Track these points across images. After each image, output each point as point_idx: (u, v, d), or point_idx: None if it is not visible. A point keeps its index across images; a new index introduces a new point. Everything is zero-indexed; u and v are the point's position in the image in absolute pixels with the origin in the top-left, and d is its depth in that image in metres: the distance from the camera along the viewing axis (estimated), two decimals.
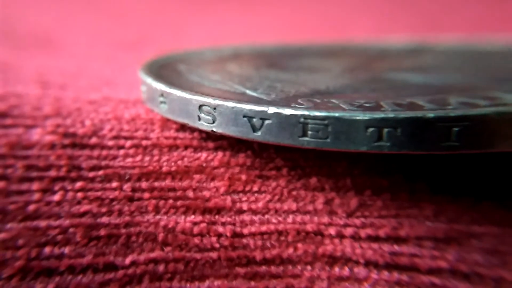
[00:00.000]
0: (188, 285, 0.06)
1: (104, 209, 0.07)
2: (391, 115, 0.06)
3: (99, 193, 0.07)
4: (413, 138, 0.06)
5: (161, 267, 0.06)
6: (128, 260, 0.06)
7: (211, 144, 0.08)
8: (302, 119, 0.07)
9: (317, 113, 0.06)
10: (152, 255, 0.06)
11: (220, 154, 0.08)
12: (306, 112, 0.07)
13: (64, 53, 0.16)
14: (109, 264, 0.06)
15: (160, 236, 0.07)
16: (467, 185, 0.07)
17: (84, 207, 0.07)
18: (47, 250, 0.06)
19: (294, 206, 0.07)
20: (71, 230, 0.06)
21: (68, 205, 0.07)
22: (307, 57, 0.12)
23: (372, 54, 0.11)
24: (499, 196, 0.07)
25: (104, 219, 0.07)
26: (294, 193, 0.08)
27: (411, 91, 0.08)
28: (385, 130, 0.06)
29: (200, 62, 0.11)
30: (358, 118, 0.06)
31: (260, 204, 0.07)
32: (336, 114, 0.06)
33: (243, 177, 0.08)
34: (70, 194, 0.07)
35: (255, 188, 0.08)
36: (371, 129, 0.06)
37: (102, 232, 0.06)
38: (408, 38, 0.12)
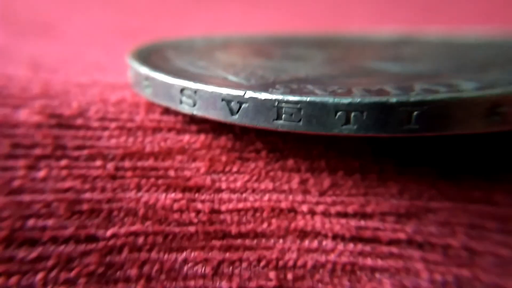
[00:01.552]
0: (166, 256, 0.07)
1: (87, 186, 0.07)
2: (357, 100, 0.07)
3: (83, 171, 0.07)
4: (378, 121, 0.06)
5: (140, 239, 0.07)
6: (109, 233, 0.07)
7: (194, 127, 0.08)
8: (276, 103, 0.07)
9: (290, 98, 0.07)
10: (132, 228, 0.07)
11: (202, 136, 0.08)
12: (280, 97, 0.07)
13: (62, 39, 0.16)
14: (91, 236, 0.07)
15: (141, 211, 0.07)
16: (428, 165, 0.07)
17: (68, 184, 0.07)
18: (30, 222, 0.06)
19: (270, 185, 0.08)
20: (54, 204, 0.07)
21: (52, 181, 0.07)
22: (294, 47, 0.12)
23: (356, 45, 0.12)
24: (455, 174, 0.07)
25: (87, 195, 0.07)
26: (271, 173, 0.08)
27: (383, 79, 0.08)
28: (352, 114, 0.07)
29: (190, 49, 0.11)
30: (327, 102, 0.07)
31: (238, 184, 0.08)
32: (308, 99, 0.07)
33: (224, 158, 0.08)
34: (54, 171, 0.07)
35: (235, 169, 0.08)
36: (339, 113, 0.07)
37: (85, 206, 0.07)
38: (394, 29, 0.12)
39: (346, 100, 0.07)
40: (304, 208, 0.07)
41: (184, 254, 0.07)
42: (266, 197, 0.08)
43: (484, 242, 0.07)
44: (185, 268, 0.07)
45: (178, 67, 0.09)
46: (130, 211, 0.07)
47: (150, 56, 0.10)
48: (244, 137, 0.08)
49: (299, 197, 0.08)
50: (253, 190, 0.08)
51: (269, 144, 0.08)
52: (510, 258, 0.07)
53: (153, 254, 0.07)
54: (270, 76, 0.09)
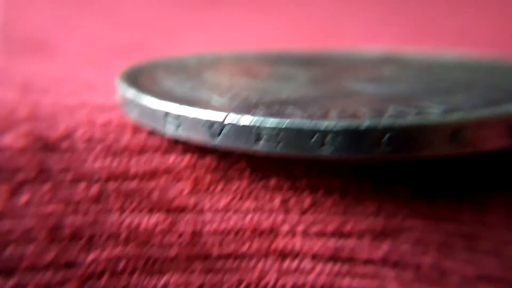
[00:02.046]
0: (147, 280, 0.07)
1: (70, 210, 0.07)
2: (332, 124, 0.07)
3: (66, 195, 0.07)
4: (351, 145, 0.07)
5: (121, 264, 0.07)
6: (89, 258, 0.07)
7: (179, 147, 0.09)
8: (255, 127, 0.07)
9: (269, 122, 0.07)
10: (114, 252, 0.07)
11: (187, 156, 0.08)
12: (259, 122, 0.07)
13: (57, 57, 0.16)
14: (71, 262, 0.07)
15: (123, 235, 0.07)
16: (404, 184, 0.08)
17: (50, 208, 0.07)
18: (9, 250, 0.07)
19: (253, 205, 0.08)
20: (35, 230, 0.07)
21: (35, 206, 0.07)
22: (282, 65, 0.12)
23: (342, 64, 0.12)
24: (428, 193, 0.08)
25: (69, 219, 0.07)
26: (254, 193, 0.08)
27: (360, 101, 0.08)
28: (327, 138, 0.07)
29: (179, 69, 0.12)
30: (303, 126, 0.07)
31: (221, 204, 0.08)
32: (285, 123, 0.07)
33: (208, 178, 0.08)
34: (37, 196, 0.07)
35: (219, 189, 0.08)
36: (315, 136, 0.07)
37: (66, 231, 0.07)
38: (379, 48, 0.13)
39: (321, 124, 0.07)
40: (285, 227, 0.08)
41: (165, 278, 0.07)
42: (249, 217, 0.08)
43: (452, 260, 0.07)
44: None
45: (165, 88, 0.10)
46: (112, 234, 0.07)
47: (139, 76, 0.10)
48: (228, 157, 0.08)
49: (281, 217, 0.08)
50: (236, 210, 0.08)
51: (252, 164, 0.08)
52: (474, 276, 0.07)
53: (134, 279, 0.07)
54: (253, 97, 0.09)
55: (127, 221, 0.07)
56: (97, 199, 0.07)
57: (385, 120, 0.07)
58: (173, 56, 0.13)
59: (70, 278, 0.07)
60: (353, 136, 0.07)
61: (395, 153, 0.07)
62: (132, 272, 0.07)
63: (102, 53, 0.17)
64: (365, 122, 0.07)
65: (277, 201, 0.08)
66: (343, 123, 0.07)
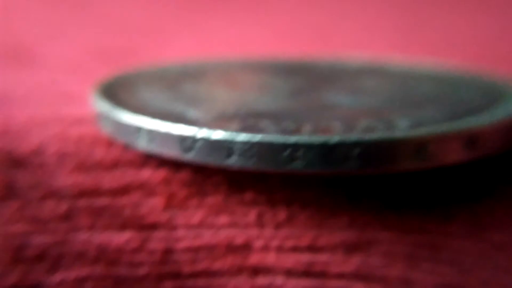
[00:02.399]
0: None
1: (37, 229, 0.07)
2: (303, 139, 0.07)
3: (34, 213, 0.07)
4: (321, 159, 0.07)
5: (88, 285, 0.07)
6: (55, 279, 0.06)
7: (154, 162, 0.08)
8: (227, 142, 0.07)
9: (242, 137, 0.07)
10: (81, 273, 0.07)
11: (161, 171, 0.08)
12: (231, 136, 0.07)
13: (40, 66, 0.16)
14: (35, 284, 0.06)
15: (92, 254, 0.07)
16: (375, 197, 0.08)
17: (17, 227, 0.07)
18: None
19: (227, 220, 0.08)
20: None
21: (0, 226, 0.07)
22: (266, 74, 0.12)
23: (324, 74, 0.12)
24: (397, 206, 0.08)
25: (36, 239, 0.07)
26: (229, 208, 0.08)
27: (334, 114, 0.08)
28: (298, 153, 0.07)
29: (159, 79, 0.12)
30: (274, 141, 0.07)
31: (195, 220, 0.08)
32: (258, 138, 0.07)
33: (182, 193, 0.08)
34: (3, 215, 0.07)
35: (193, 204, 0.08)
36: (287, 151, 0.07)
37: (32, 251, 0.07)
38: (365, 58, 0.13)
39: (292, 140, 0.07)
40: (259, 243, 0.08)
41: None
42: (223, 232, 0.08)
43: (417, 271, 0.07)
44: None
45: (141, 100, 0.09)
46: (80, 254, 0.07)
47: (115, 88, 0.10)
48: (203, 171, 0.08)
49: (255, 232, 0.08)
50: (210, 226, 0.08)
51: (228, 178, 0.08)
52: (436, 285, 0.07)
53: None
54: (229, 110, 0.09)
55: (97, 239, 0.07)
56: (66, 217, 0.07)
57: (354, 136, 0.07)
58: (155, 64, 0.13)
59: None
60: (323, 151, 0.07)
61: (365, 168, 0.07)
62: None
63: (88, 60, 0.17)
64: (335, 138, 0.07)
65: (252, 215, 0.08)
66: (313, 139, 0.07)
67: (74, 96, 0.12)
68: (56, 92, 0.12)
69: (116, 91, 0.10)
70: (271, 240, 0.08)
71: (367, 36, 0.19)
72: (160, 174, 0.08)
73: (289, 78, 0.12)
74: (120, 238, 0.07)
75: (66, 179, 0.08)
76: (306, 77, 0.12)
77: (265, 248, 0.07)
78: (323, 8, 0.23)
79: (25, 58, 0.16)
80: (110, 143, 0.08)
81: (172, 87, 0.11)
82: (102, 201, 0.08)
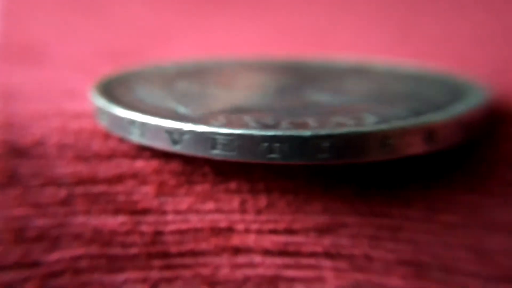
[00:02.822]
0: (107, 277, 0.07)
1: (37, 213, 0.07)
2: (279, 133, 0.07)
3: (34, 198, 0.08)
4: (296, 152, 0.07)
5: (83, 263, 0.07)
6: (52, 257, 0.07)
7: (147, 153, 0.09)
8: (212, 135, 0.08)
9: (224, 130, 0.08)
10: (77, 252, 0.07)
11: (154, 162, 0.09)
12: (215, 130, 0.08)
13: (48, 65, 0.16)
14: (34, 262, 0.07)
15: (88, 235, 0.07)
16: (347, 185, 0.08)
17: (18, 211, 0.07)
18: None
19: (213, 206, 0.08)
20: (1, 232, 0.07)
21: (3, 210, 0.07)
22: (257, 73, 0.13)
23: (311, 74, 0.13)
24: (366, 192, 0.08)
25: (36, 222, 0.07)
26: (215, 195, 0.09)
27: (312, 111, 0.09)
28: (275, 145, 0.07)
29: (156, 77, 0.12)
30: (254, 134, 0.08)
31: (184, 206, 0.08)
32: (239, 132, 0.08)
33: (172, 182, 0.09)
34: (6, 200, 0.07)
35: (182, 192, 0.09)
36: (265, 144, 0.08)
37: (32, 233, 0.07)
38: (353, 59, 0.13)
39: (269, 133, 0.07)
40: (241, 226, 0.08)
41: (124, 275, 0.07)
42: (208, 217, 0.08)
43: (379, 250, 0.08)
44: (125, 287, 0.07)
45: (137, 97, 0.10)
46: (77, 235, 0.07)
47: (115, 85, 0.11)
48: (193, 162, 0.09)
49: (238, 217, 0.08)
50: (197, 211, 0.08)
51: (215, 168, 0.09)
52: (395, 262, 0.08)
53: (95, 276, 0.07)
54: (217, 106, 0.10)
55: (92, 222, 0.08)
56: (64, 202, 0.08)
57: (325, 130, 0.07)
58: (154, 63, 0.13)
59: (32, 276, 0.07)
60: (298, 144, 0.07)
61: (335, 159, 0.07)
62: (93, 270, 0.07)
63: (95, 60, 0.17)
64: (308, 132, 0.07)
65: (235, 202, 0.08)
66: (288, 132, 0.07)
67: (77, 93, 0.13)
68: (61, 89, 0.13)
69: (114, 88, 0.10)
70: (251, 224, 0.08)
71: (364, 37, 0.19)
72: (152, 164, 0.09)
73: (278, 77, 0.12)
74: (114, 222, 0.08)
75: (65, 168, 0.08)
76: (294, 76, 0.12)
77: (246, 231, 0.08)
78: (323, 10, 0.23)
79: (34, 57, 0.16)
80: (107, 136, 0.09)
81: (167, 85, 0.11)
82: (98, 188, 0.08)
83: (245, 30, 0.20)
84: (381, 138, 0.07)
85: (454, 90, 0.10)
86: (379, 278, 0.08)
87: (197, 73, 0.13)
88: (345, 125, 0.08)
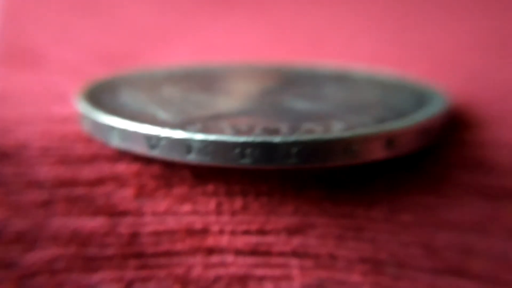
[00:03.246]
0: (82, 276, 0.07)
1: (16, 214, 0.08)
2: (250, 139, 0.08)
3: (15, 200, 0.08)
4: (266, 157, 0.08)
5: (60, 263, 0.07)
6: (29, 258, 0.07)
7: (129, 157, 0.09)
8: (187, 141, 0.08)
9: (199, 136, 0.08)
10: (54, 252, 0.07)
11: (135, 165, 0.09)
12: (190, 135, 0.08)
13: (42, 69, 0.16)
14: (10, 263, 0.07)
15: (65, 237, 0.08)
16: (317, 188, 0.09)
17: None
18: None
19: (190, 208, 0.09)
20: None
21: None
22: (240, 78, 0.13)
23: (292, 79, 0.13)
24: (336, 195, 0.09)
25: (14, 223, 0.07)
26: (193, 198, 0.09)
27: (287, 117, 0.09)
28: (247, 151, 0.08)
29: (143, 82, 0.12)
30: (227, 141, 0.08)
31: (161, 208, 0.09)
32: (212, 138, 0.08)
33: (152, 185, 0.09)
34: None
35: (160, 194, 0.09)
36: (237, 150, 0.08)
37: (10, 234, 0.07)
38: (336, 66, 0.13)
39: (241, 139, 0.08)
40: (216, 228, 0.08)
41: (100, 274, 0.07)
42: (185, 219, 0.08)
43: (343, 249, 0.08)
44: (100, 286, 0.07)
45: (119, 102, 0.10)
46: (55, 237, 0.08)
47: (100, 90, 0.11)
48: (172, 166, 0.09)
49: (213, 218, 0.08)
50: (174, 213, 0.08)
51: (193, 172, 0.09)
52: (356, 259, 0.08)
53: (71, 276, 0.07)
54: (196, 111, 0.10)
55: (71, 224, 0.08)
56: (44, 204, 0.08)
57: (293, 137, 0.08)
58: (142, 68, 0.13)
59: (7, 278, 0.07)
60: (267, 149, 0.08)
61: (304, 164, 0.08)
62: (69, 271, 0.07)
63: (90, 63, 0.17)
64: (277, 138, 0.07)
65: (212, 204, 0.09)
66: (258, 138, 0.08)
67: (67, 97, 0.13)
68: (52, 92, 0.13)
69: (99, 93, 0.10)
70: (226, 225, 0.08)
71: (356, 43, 0.19)
72: (133, 168, 0.09)
73: (260, 82, 0.13)
74: (93, 223, 0.08)
75: (47, 171, 0.08)
76: (276, 82, 0.13)
77: (221, 232, 0.08)
78: (324, 14, 0.23)
79: (31, 60, 0.16)
80: (89, 140, 0.09)
81: (151, 91, 0.11)
82: (79, 190, 0.08)
83: (242, 34, 0.20)
84: (345, 145, 0.08)
85: (419, 98, 0.10)
86: (341, 275, 0.08)
87: (184, 78, 0.13)
88: (313, 131, 0.08)
